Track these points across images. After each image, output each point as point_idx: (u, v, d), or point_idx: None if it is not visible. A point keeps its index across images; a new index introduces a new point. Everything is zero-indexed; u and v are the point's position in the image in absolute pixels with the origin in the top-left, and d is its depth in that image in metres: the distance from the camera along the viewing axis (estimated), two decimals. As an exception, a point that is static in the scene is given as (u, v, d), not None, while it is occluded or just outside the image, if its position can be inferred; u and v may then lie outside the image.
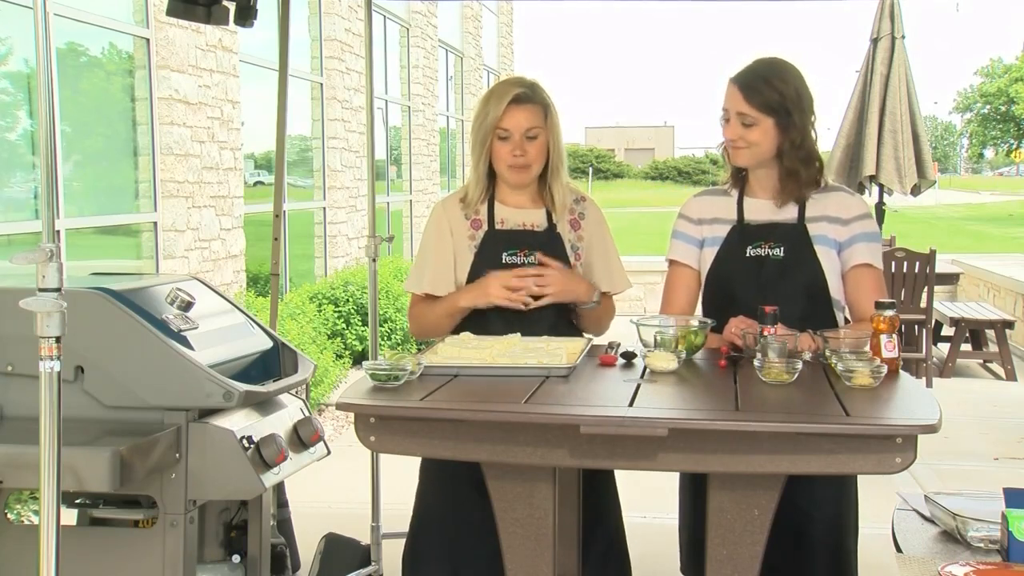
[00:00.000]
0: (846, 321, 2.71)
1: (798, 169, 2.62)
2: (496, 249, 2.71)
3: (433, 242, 2.77)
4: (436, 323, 2.72)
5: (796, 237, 2.63)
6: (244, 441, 2.45)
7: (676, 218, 2.82)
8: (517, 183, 2.73)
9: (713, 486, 2.08)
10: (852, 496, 2.67)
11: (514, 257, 2.70)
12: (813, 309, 2.60)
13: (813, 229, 2.64)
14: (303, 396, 3.00)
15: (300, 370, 2.86)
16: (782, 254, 2.62)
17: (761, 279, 2.60)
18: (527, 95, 2.68)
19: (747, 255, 2.64)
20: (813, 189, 2.66)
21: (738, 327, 2.48)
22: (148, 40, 6.47)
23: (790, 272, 2.61)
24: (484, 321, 2.66)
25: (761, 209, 2.68)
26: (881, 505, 4.30)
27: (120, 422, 2.42)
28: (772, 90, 2.58)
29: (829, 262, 2.63)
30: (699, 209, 2.78)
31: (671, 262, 2.80)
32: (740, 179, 2.73)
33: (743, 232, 2.67)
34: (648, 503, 4.36)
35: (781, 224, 2.65)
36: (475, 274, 2.71)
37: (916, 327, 7.74)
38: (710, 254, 2.71)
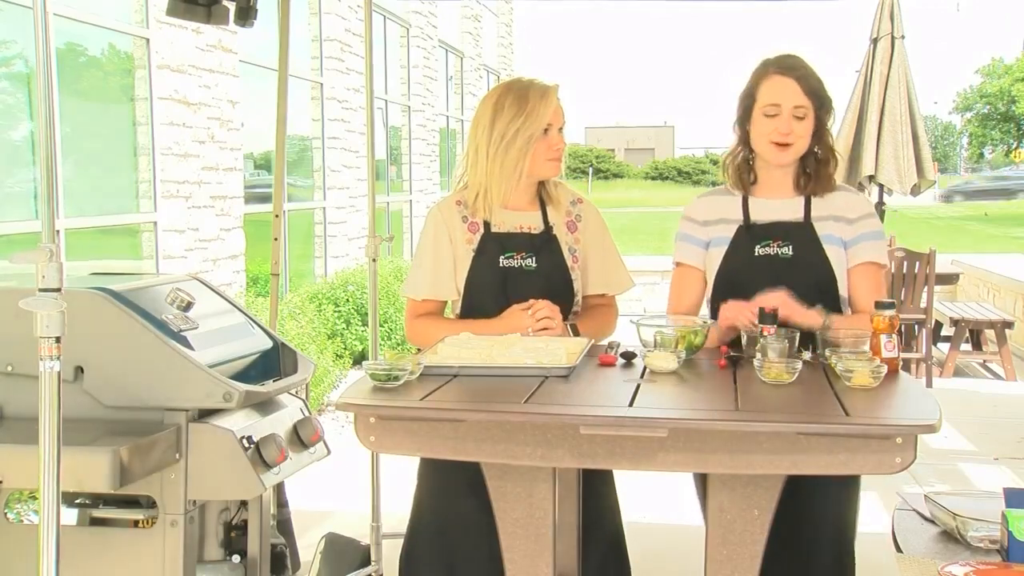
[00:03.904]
0: None
1: (819, 169, 2.65)
2: (494, 252, 2.70)
3: (431, 247, 2.75)
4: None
5: (804, 236, 2.64)
6: (244, 441, 2.45)
7: (680, 220, 2.81)
8: (554, 176, 2.73)
9: (713, 486, 2.08)
10: (855, 493, 2.66)
11: (511, 260, 2.69)
12: (824, 307, 2.60)
13: (820, 228, 2.64)
14: (303, 396, 3.00)
15: (300, 370, 2.86)
16: (791, 252, 2.63)
17: (772, 278, 2.60)
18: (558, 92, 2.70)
19: (756, 254, 2.64)
20: (827, 190, 2.67)
21: (732, 312, 2.50)
22: (148, 40, 6.47)
23: (800, 271, 2.61)
24: (484, 318, 2.65)
25: (766, 208, 2.69)
26: (881, 505, 4.31)
27: (120, 422, 2.42)
28: (814, 77, 2.61)
29: (837, 260, 2.63)
30: (704, 210, 2.77)
31: (677, 264, 2.80)
32: (745, 180, 2.72)
33: (750, 231, 2.67)
34: (648, 503, 4.37)
35: (788, 223, 2.65)
36: (473, 277, 2.69)
37: (916, 327, 7.73)
38: (717, 254, 2.71)
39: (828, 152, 2.67)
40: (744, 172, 2.71)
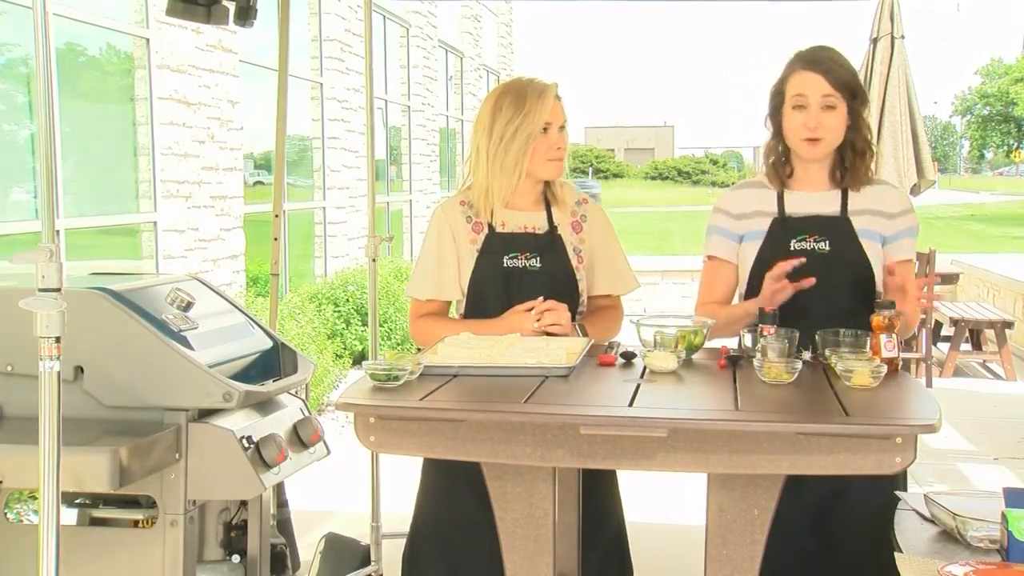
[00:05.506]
0: None
1: (856, 161, 2.62)
2: (498, 252, 2.70)
3: (435, 247, 2.74)
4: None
5: (841, 230, 2.60)
6: (244, 441, 2.45)
7: (713, 212, 2.77)
8: (555, 176, 2.72)
9: (713, 486, 2.08)
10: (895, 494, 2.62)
11: (515, 260, 2.69)
12: (859, 303, 2.58)
13: (858, 223, 2.61)
14: (303, 396, 3.00)
15: (300, 370, 2.86)
16: (828, 247, 2.59)
17: (808, 273, 2.55)
18: (557, 91, 2.69)
19: (792, 248, 2.60)
20: (863, 183, 2.64)
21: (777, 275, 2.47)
22: (148, 40, 6.48)
23: (838, 265, 2.58)
24: (488, 318, 2.65)
25: (802, 202, 2.65)
26: (881, 505, 4.26)
27: (120, 422, 2.42)
28: (844, 69, 2.57)
29: (874, 256, 2.60)
30: (739, 203, 2.73)
31: (709, 257, 2.76)
32: (781, 173, 2.68)
33: (785, 225, 2.63)
34: (648, 503, 4.36)
35: (824, 217, 2.62)
36: (477, 277, 2.69)
37: (916, 327, 7.73)
38: (751, 248, 2.67)
39: (864, 144, 2.62)
40: (780, 166, 2.67)
